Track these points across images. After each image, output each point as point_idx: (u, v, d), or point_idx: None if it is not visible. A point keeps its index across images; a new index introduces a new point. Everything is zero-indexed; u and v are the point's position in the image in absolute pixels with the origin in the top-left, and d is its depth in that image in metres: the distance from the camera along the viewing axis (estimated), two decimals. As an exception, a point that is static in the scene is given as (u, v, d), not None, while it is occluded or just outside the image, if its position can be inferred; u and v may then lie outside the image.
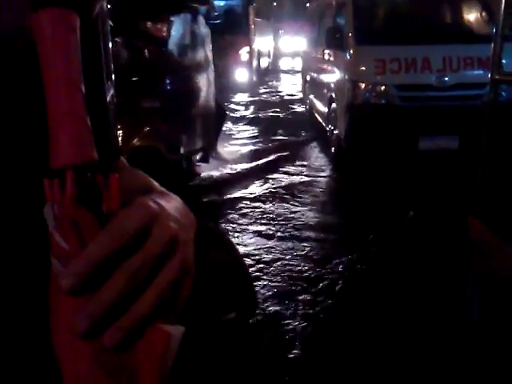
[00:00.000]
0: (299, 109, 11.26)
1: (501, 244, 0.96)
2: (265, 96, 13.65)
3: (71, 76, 0.41)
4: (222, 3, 13.98)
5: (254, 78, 14.79)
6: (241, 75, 13.91)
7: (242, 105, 12.17)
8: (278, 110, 11.26)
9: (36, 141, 0.48)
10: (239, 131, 9.40)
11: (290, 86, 15.18)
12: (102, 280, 0.39)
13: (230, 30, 12.95)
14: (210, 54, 6.46)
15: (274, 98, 13.30)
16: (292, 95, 13.28)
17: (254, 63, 14.92)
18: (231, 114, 10.36)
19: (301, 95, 11.86)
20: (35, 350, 0.46)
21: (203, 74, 6.10)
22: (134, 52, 5.12)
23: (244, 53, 13.74)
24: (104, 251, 0.38)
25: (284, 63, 22.49)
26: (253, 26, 14.45)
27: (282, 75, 18.51)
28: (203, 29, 6.39)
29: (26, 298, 0.47)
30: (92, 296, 0.38)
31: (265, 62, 18.00)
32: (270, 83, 16.07)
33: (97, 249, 0.38)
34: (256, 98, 13.12)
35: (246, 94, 13.58)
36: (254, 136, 8.99)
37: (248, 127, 9.69)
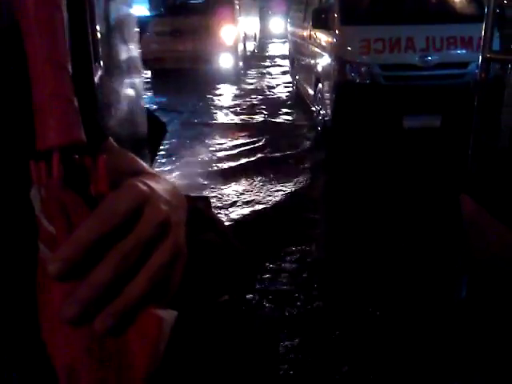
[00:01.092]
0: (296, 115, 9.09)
1: (493, 222, 0.96)
2: (253, 89, 11.72)
3: (57, 56, 0.40)
4: (202, -20, 12.70)
5: (240, 64, 13.39)
6: (225, 61, 12.37)
7: (227, 107, 9.95)
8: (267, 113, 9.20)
9: (22, 122, 0.46)
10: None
11: (280, 77, 13.04)
12: (92, 265, 0.38)
13: (212, 10, 11.83)
14: (135, 50, 5.57)
15: (264, 94, 11.14)
16: (284, 94, 11.00)
17: (240, 47, 13.50)
18: (220, 118, 9.02)
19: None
20: (29, 342, 0.45)
21: (122, 81, 5.36)
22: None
23: (228, 36, 12.28)
24: (93, 235, 0.37)
25: (273, 48, 20.36)
26: (238, 6, 13.18)
27: (270, 63, 16.09)
28: (122, 13, 5.66)
29: (15, 286, 0.46)
30: (82, 281, 0.37)
31: (250, 46, 16.39)
32: (257, 73, 14.01)
33: (85, 232, 0.37)
34: (243, 93, 11.22)
35: (232, 86, 11.97)
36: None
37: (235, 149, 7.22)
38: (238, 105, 10.03)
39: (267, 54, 18.70)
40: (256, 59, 16.47)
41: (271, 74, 13.85)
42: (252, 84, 12.42)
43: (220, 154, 6.92)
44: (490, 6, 2.60)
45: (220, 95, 11.14)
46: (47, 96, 0.40)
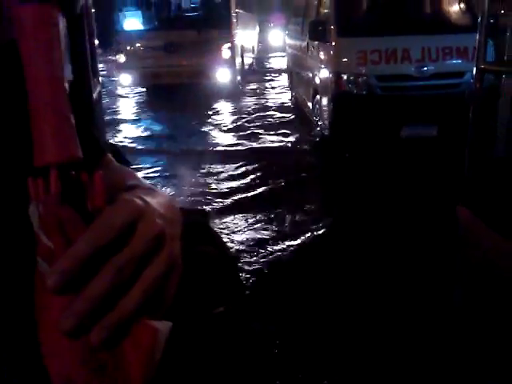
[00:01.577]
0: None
1: (489, 232, 0.97)
2: (253, 107, 10.80)
3: (54, 74, 0.41)
4: (198, -8, 11.94)
5: (238, 79, 12.54)
6: (222, 76, 11.50)
7: (223, 129, 9.08)
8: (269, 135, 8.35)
9: (19, 139, 0.47)
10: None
11: (280, 95, 12.06)
12: (89, 278, 0.38)
13: (209, 23, 11.04)
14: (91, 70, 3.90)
15: (264, 113, 10.08)
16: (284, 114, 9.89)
17: (238, 61, 12.64)
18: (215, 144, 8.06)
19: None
20: (26, 352, 0.46)
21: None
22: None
23: (225, 49, 11.40)
24: (89, 249, 0.38)
25: (273, 62, 19.20)
26: (235, 19, 12.33)
27: (269, 78, 14.98)
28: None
29: (13, 298, 0.46)
30: (78, 294, 0.38)
31: (249, 60, 15.40)
32: (255, 90, 13.15)
33: (82, 246, 0.38)
34: (242, 112, 10.34)
35: (229, 104, 11.26)
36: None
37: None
38: (236, 128, 9.04)
39: (267, 68, 17.76)
40: (254, 74, 15.50)
41: (270, 91, 13.01)
42: (251, 102, 11.57)
43: (214, 186, 6.09)
44: (483, 16, 2.62)
45: (217, 114, 10.34)
46: (44, 113, 0.40)
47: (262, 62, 18.84)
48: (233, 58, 11.66)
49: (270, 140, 8.17)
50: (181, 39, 10.95)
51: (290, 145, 7.85)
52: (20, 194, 0.43)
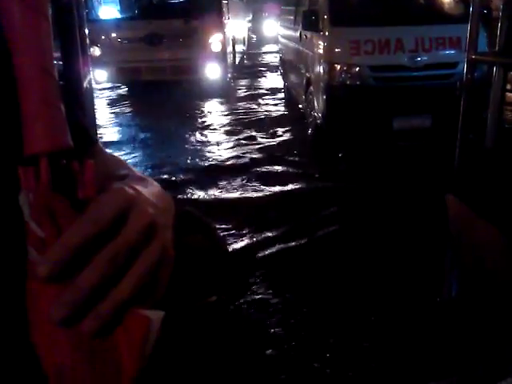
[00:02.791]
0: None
1: (478, 221, 0.97)
2: (245, 108, 9.52)
3: (43, 62, 0.41)
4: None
5: (229, 75, 11.14)
6: (212, 72, 10.07)
7: (214, 143, 7.37)
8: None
9: (9, 128, 0.47)
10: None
11: (275, 93, 10.76)
12: (80, 267, 0.38)
13: (196, 11, 9.58)
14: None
15: (257, 115, 8.96)
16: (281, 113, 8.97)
17: (229, 54, 11.25)
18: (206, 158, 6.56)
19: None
20: (18, 343, 0.46)
21: None
22: None
23: (216, 41, 9.97)
24: (80, 238, 0.38)
25: (267, 55, 17.34)
26: (226, 7, 10.82)
27: (262, 73, 13.56)
28: None
29: (4, 286, 0.46)
30: (70, 283, 0.38)
31: (239, 53, 13.96)
32: (248, 86, 11.77)
33: (73, 235, 0.38)
34: (234, 114, 9.07)
35: (220, 105, 9.91)
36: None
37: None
38: (228, 134, 7.75)
39: (260, 61, 16.28)
40: (246, 68, 14.27)
41: (264, 89, 11.57)
42: (243, 101, 10.25)
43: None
44: (474, 6, 2.61)
45: (206, 116, 9.02)
46: (34, 103, 0.40)
47: (254, 55, 17.39)
48: (224, 51, 10.29)
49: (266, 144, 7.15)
50: (164, 30, 9.62)
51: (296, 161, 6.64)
52: (10, 182, 0.43)
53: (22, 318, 0.41)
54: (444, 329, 2.94)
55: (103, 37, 9.78)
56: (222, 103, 10.14)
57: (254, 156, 6.70)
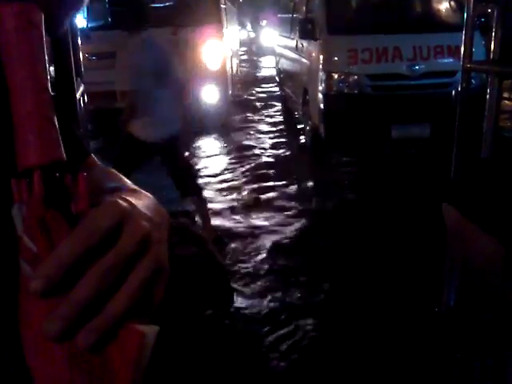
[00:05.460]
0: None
1: (475, 230, 0.97)
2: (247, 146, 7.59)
3: (36, 75, 0.40)
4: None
5: (230, 98, 8.85)
6: (209, 96, 7.94)
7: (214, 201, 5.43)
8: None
9: (2, 141, 0.46)
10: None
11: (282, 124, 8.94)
12: (74, 281, 0.38)
13: (189, 19, 7.51)
14: None
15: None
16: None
17: (228, 72, 8.99)
18: None
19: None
20: (7, 353, 0.45)
21: None
22: None
23: (213, 56, 7.92)
24: (74, 252, 0.38)
25: (266, 69, 14.73)
26: (224, 13, 8.78)
27: (265, 94, 11.43)
28: None
29: None
30: (63, 298, 0.38)
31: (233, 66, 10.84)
32: (247, 112, 9.62)
33: (66, 250, 0.38)
34: (236, 155, 7.17)
35: (219, 143, 7.89)
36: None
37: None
38: (229, 190, 5.84)
39: (258, 76, 13.96)
40: (244, 86, 11.92)
41: (270, 117, 9.49)
42: (244, 134, 8.32)
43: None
44: (469, 14, 2.61)
45: (201, 162, 6.96)
46: (27, 115, 0.40)
47: (252, 69, 15.00)
48: (224, 68, 8.23)
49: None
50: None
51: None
52: (3, 195, 0.43)
53: (14, 331, 0.41)
54: (442, 339, 2.94)
55: None
56: (219, 138, 8.16)
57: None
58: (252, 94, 12.20)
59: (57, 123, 0.41)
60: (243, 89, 12.19)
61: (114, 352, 0.40)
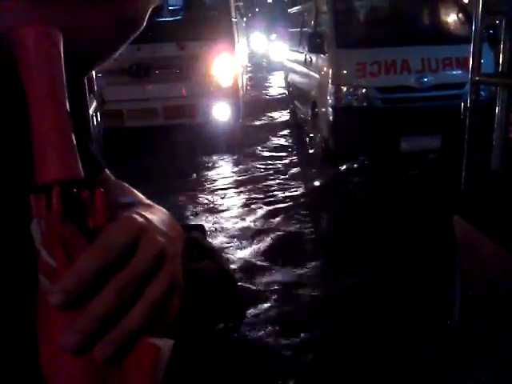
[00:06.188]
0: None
1: (487, 242, 0.97)
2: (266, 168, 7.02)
3: (55, 91, 0.41)
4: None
5: (240, 120, 8.04)
6: (220, 114, 7.44)
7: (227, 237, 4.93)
8: None
9: (21, 157, 0.47)
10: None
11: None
12: (91, 295, 0.39)
13: (197, 33, 7.10)
14: None
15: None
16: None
17: (241, 89, 8.45)
18: None
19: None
20: (25, 367, 0.46)
21: None
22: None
23: (225, 72, 7.39)
24: (92, 267, 0.39)
25: (273, 88, 13.40)
26: (236, 26, 8.32)
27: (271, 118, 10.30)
28: None
29: (15, 315, 0.47)
30: (81, 311, 0.38)
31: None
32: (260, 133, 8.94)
33: (85, 265, 0.39)
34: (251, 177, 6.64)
35: (232, 165, 7.24)
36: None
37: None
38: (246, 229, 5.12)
39: (266, 97, 12.52)
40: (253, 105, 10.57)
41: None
42: (262, 152, 7.79)
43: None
44: (477, 26, 2.61)
45: (214, 185, 6.41)
46: (46, 131, 0.41)
47: (257, 89, 13.54)
48: (236, 84, 7.59)
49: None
50: (154, 57, 7.10)
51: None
52: (22, 210, 0.43)
53: (32, 345, 0.41)
54: (454, 352, 2.91)
55: None
56: (231, 161, 7.50)
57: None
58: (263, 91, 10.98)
59: (74, 139, 0.42)
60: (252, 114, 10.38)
61: (131, 365, 0.40)
